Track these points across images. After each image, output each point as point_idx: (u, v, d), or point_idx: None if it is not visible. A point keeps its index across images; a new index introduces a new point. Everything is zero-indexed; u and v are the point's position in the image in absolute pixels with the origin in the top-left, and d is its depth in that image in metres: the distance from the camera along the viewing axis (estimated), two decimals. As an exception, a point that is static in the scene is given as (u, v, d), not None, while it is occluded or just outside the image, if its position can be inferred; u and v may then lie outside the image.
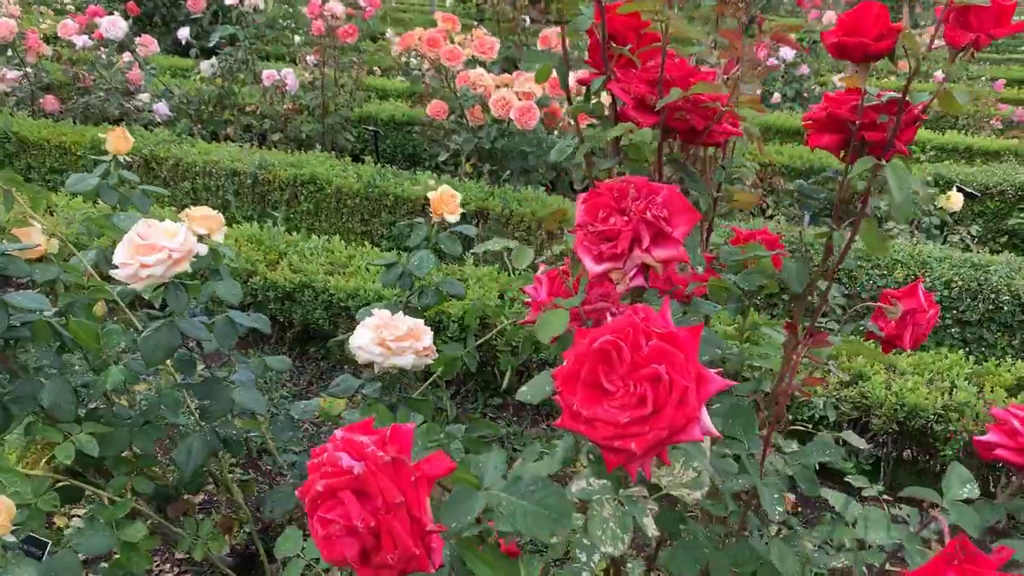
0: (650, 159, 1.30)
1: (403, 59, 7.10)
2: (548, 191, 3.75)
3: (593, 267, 0.97)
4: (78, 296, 1.56)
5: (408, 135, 5.47)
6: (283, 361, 1.79)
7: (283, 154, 4.14)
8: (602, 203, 0.98)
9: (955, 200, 3.64)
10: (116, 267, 1.37)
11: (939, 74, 5.68)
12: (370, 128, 5.12)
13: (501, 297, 2.48)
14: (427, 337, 1.56)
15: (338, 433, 0.73)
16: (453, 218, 1.97)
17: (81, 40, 4.87)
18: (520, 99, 3.68)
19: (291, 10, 5.42)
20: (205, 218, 1.84)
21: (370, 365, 1.54)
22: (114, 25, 4.56)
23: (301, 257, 2.74)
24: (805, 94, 6.60)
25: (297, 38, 5.33)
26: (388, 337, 1.51)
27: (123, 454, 1.52)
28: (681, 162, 1.08)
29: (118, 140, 1.93)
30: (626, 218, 0.96)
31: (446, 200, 1.96)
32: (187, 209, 1.86)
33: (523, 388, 1.17)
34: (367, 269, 2.68)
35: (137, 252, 1.36)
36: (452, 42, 3.98)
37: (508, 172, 3.88)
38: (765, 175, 3.96)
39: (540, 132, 3.83)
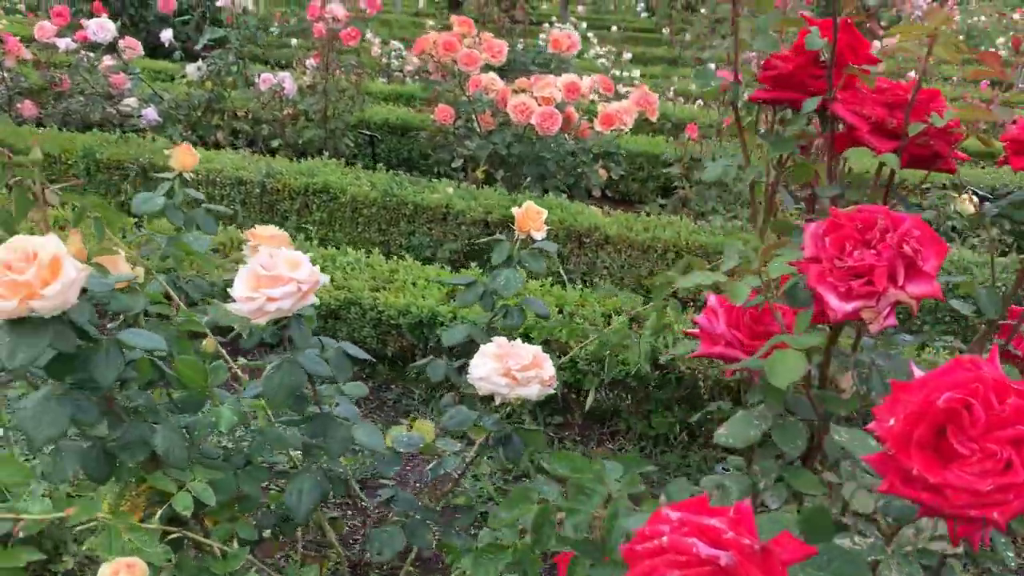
0: (818, 177, 1.24)
1: (384, 60, 6.98)
2: (570, 198, 3.68)
3: (840, 306, 0.91)
4: (167, 329, 1.44)
5: (403, 139, 5.35)
6: (359, 387, 1.69)
7: (288, 162, 4.00)
8: (846, 236, 0.91)
9: None
10: (234, 300, 1.27)
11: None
12: (366, 133, 5.00)
13: (560, 312, 2.40)
14: (548, 365, 1.48)
15: (671, 513, 0.65)
16: (540, 235, 1.89)
17: (64, 43, 4.65)
18: (540, 104, 3.61)
19: (291, 11, 5.26)
20: (272, 238, 1.74)
21: (490, 397, 1.46)
22: (102, 28, 4.36)
23: (344, 273, 2.63)
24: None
25: (295, 41, 5.17)
26: (514, 367, 1.43)
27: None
28: (902, 193, 1.02)
29: (184, 156, 1.81)
30: (874, 251, 0.89)
31: (532, 216, 1.88)
32: (253, 228, 1.75)
33: (721, 431, 1.10)
34: (413, 284, 2.58)
35: (262, 284, 1.26)
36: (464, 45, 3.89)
37: (526, 178, 3.80)
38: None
39: (557, 137, 3.75)
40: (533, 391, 1.43)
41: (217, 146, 4.76)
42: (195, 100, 4.81)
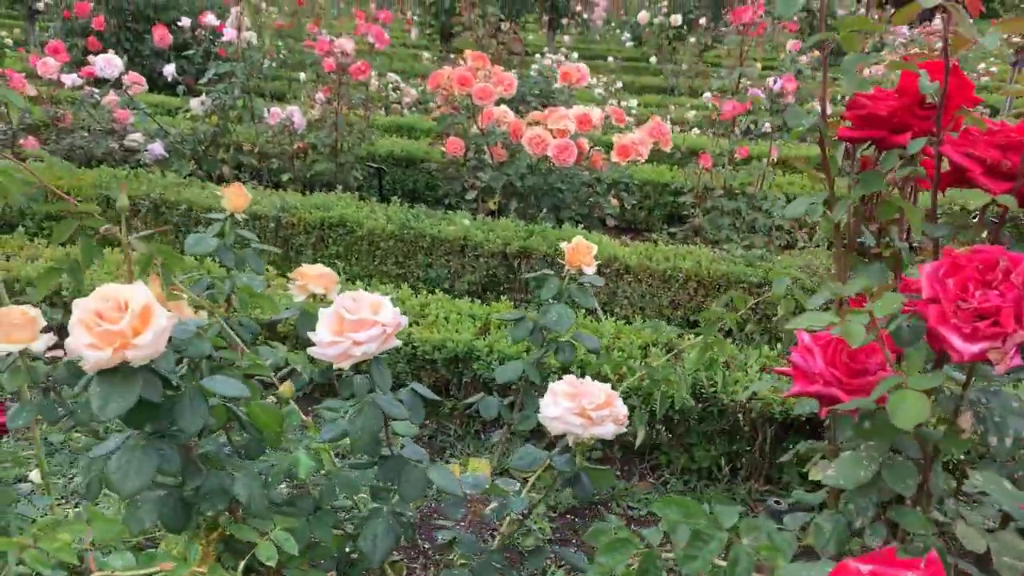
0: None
1: (383, 93, 7.00)
2: (584, 228, 3.69)
3: (966, 347, 0.91)
4: (233, 373, 1.43)
5: (407, 171, 5.36)
6: (410, 428, 1.68)
7: (300, 196, 3.99)
8: (968, 277, 0.92)
9: None
10: (314, 344, 1.25)
11: None
12: (372, 165, 5.00)
13: (606, 349, 2.39)
14: (620, 403, 1.47)
15: (861, 566, 0.65)
16: (590, 270, 1.89)
17: (70, 79, 4.64)
18: (554, 136, 3.63)
19: (283, 45, 5.27)
20: (321, 276, 1.73)
21: (562, 436, 1.45)
22: (109, 64, 4.35)
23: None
24: None
25: (303, 75, 5.18)
26: (588, 406, 1.41)
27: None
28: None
29: (236, 197, 1.80)
30: (998, 292, 0.90)
31: (582, 251, 1.89)
32: (301, 268, 1.75)
33: (830, 473, 1.10)
34: (446, 319, 2.57)
35: (347, 328, 1.25)
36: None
37: (541, 209, 3.81)
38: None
39: (571, 168, 3.77)
40: (608, 430, 1.42)
41: (222, 180, 4.75)
42: (200, 134, 4.80)
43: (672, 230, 4.18)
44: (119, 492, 1.15)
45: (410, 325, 2.55)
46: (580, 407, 1.42)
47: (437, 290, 2.91)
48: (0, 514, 1.72)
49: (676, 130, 6.54)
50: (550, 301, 1.88)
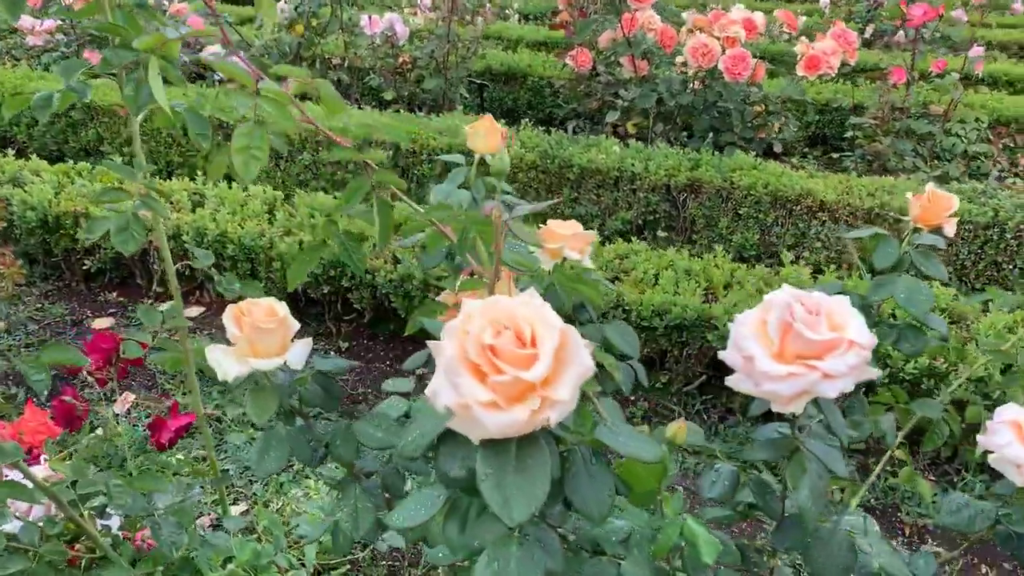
0: None
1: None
2: (756, 156, 3.18)
3: None
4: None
5: (506, 88, 4.83)
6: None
7: (414, 116, 3.50)
8: None
9: None
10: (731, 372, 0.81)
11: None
12: (475, 81, 4.48)
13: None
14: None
15: None
16: (950, 229, 1.42)
17: (140, -16, 4.10)
18: (724, 45, 3.09)
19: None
20: (576, 237, 1.28)
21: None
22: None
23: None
24: None
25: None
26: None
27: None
28: None
29: (488, 135, 1.34)
30: None
31: (940, 204, 1.41)
32: (549, 225, 1.29)
33: None
34: (655, 276, 2.11)
35: (804, 352, 0.80)
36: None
37: (692, 135, 3.30)
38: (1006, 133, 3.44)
39: (737, 85, 3.24)
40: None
41: (305, 97, 4.25)
42: (284, 46, 4.28)
43: (836, 155, 3.66)
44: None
45: (612, 281, 2.10)
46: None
47: (634, 238, 2.45)
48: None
49: (785, 38, 5.91)
50: (890, 270, 1.41)
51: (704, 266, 2.17)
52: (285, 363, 0.96)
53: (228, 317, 0.97)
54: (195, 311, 2.67)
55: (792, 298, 0.84)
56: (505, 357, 0.66)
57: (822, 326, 0.82)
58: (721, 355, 0.87)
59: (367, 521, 1.04)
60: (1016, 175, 3.26)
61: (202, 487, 1.84)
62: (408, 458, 0.79)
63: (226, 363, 0.96)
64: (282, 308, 0.98)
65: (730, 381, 0.85)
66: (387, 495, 1.15)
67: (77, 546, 1.46)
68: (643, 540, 0.95)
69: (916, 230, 1.46)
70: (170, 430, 1.44)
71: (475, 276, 1.02)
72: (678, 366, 2.08)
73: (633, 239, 2.44)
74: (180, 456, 1.92)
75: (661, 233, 3.02)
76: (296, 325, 0.99)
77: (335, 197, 2.68)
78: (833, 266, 2.49)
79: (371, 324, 2.54)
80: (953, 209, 1.41)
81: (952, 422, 1.47)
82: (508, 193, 1.41)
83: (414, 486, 1.10)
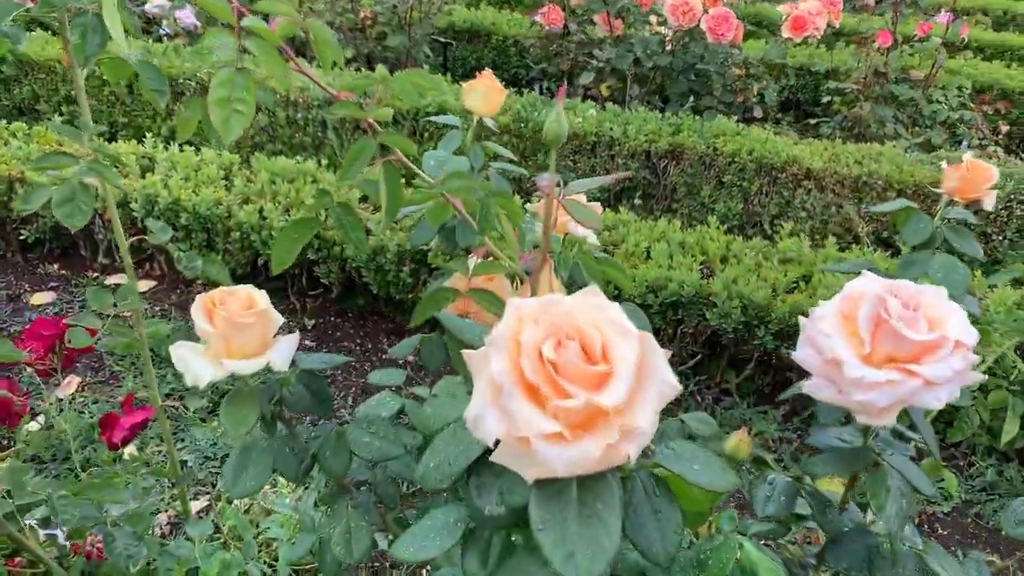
0: None
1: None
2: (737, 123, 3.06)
3: None
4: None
5: (469, 46, 4.63)
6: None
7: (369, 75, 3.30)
8: None
9: None
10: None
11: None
12: (440, 40, 4.27)
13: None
14: None
15: None
16: (989, 202, 1.31)
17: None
18: (706, 5, 2.95)
19: None
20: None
21: None
22: (129, -93, 3.52)
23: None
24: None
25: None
26: None
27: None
28: None
29: (490, 94, 1.20)
30: None
31: (980, 174, 1.30)
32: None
33: None
34: (648, 249, 1.98)
35: (894, 349, 0.68)
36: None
37: (667, 99, 3.17)
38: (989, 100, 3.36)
39: (717, 47, 3.10)
40: None
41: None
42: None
43: (813, 121, 3.56)
44: None
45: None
46: None
47: (618, 206, 2.31)
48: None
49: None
50: (921, 247, 1.30)
51: (699, 238, 2.04)
52: (268, 365, 0.80)
53: (198, 310, 0.81)
54: (145, 285, 2.47)
55: (884, 289, 0.71)
56: (570, 375, 0.52)
57: (921, 323, 0.69)
58: (794, 356, 0.74)
59: (362, 543, 0.90)
60: (996, 143, 3.19)
61: (159, 482, 1.68)
62: (432, 491, 0.65)
63: (196, 365, 0.80)
64: (262, 299, 0.82)
65: (809, 389, 0.72)
66: (380, 505, 1.01)
67: (18, 559, 1.30)
68: (688, 566, 0.82)
69: (951, 203, 1.35)
70: (124, 428, 1.27)
71: (490, 258, 0.87)
72: (671, 345, 1.96)
73: (620, 208, 2.31)
74: (133, 449, 1.75)
75: (637, 201, 2.89)
76: (279, 319, 0.83)
77: (297, 162, 2.49)
78: (833, 238, 2.38)
79: (339, 300, 2.37)
80: (994, 180, 1.30)
81: (982, 410, 1.38)
82: (512, 161, 1.26)
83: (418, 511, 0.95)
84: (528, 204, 1.20)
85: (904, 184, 2.61)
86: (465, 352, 0.57)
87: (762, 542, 0.91)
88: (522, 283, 0.79)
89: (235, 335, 0.80)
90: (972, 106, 3.20)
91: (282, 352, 0.81)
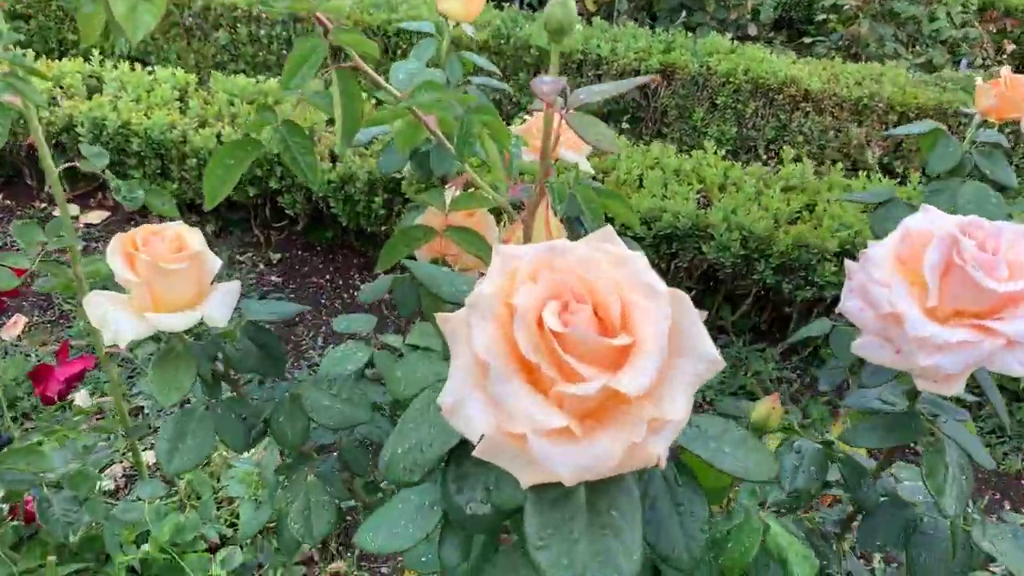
0: None
1: None
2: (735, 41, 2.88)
3: None
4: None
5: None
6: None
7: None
8: None
9: None
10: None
11: None
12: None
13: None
14: None
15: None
16: (1027, 125, 1.18)
17: None
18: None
19: None
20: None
21: None
22: None
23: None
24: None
25: None
26: None
27: None
28: None
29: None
30: None
31: (1022, 93, 1.17)
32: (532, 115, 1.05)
33: None
34: (640, 177, 1.84)
35: (983, 310, 0.56)
36: None
37: (655, 15, 2.98)
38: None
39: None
40: None
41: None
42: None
43: (808, 40, 3.38)
44: None
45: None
46: None
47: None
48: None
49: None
50: (949, 175, 1.17)
51: (695, 165, 1.90)
52: (202, 319, 0.66)
53: (114, 254, 0.66)
54: (97, 216, 2.30)
55: (956, 227, 0.57)
56: (580, 351, 0.39)
57: (1002, 269, 0.56)
58: (840, 309, 0.61)
59: (323, 520, 0.78)
60: (1000, 63, 3.04)
61: (110, 437, 1.55)
62: (399, 483, 0.53)
63: (117, 320, 0.66)
64: (196, 239, 0.68)
65: (860, 349, 0.59)
66: (348, 473, 0.89)
67: (-51, 525, 1.17)
68: (706, 547, 0.71)
69: (984, 124, 1.22)
70: (59, 380, 1.13)
71: (471, 189, 0.73)
72: (664, 280, 1.83)
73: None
74: (86, 396, 1.62)
75: (625, 125, 2.73)
76: (217, 262, 0.69)
77: (258, 81, 2.30)
78: (839, 163, 2.24)
79: (306, 232, 2.22)
80: (1033, 100, 1.17)
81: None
82: (491, 74, 1.11)
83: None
84: (512, 127, 1.05)
85: (907, 107, 2.47)
86: (440, 316, 0.43)
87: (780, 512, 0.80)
88: (511, 220, 0.65)
89: (162, 283, 0.66)
90: (976, 24, 3.04)
91: (219, 303, 0.67)
